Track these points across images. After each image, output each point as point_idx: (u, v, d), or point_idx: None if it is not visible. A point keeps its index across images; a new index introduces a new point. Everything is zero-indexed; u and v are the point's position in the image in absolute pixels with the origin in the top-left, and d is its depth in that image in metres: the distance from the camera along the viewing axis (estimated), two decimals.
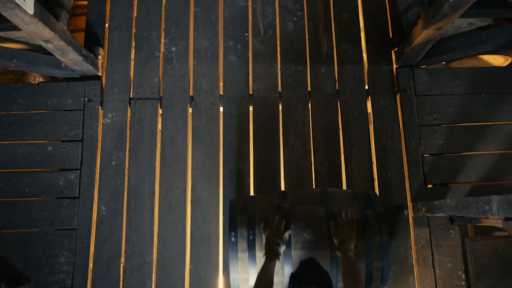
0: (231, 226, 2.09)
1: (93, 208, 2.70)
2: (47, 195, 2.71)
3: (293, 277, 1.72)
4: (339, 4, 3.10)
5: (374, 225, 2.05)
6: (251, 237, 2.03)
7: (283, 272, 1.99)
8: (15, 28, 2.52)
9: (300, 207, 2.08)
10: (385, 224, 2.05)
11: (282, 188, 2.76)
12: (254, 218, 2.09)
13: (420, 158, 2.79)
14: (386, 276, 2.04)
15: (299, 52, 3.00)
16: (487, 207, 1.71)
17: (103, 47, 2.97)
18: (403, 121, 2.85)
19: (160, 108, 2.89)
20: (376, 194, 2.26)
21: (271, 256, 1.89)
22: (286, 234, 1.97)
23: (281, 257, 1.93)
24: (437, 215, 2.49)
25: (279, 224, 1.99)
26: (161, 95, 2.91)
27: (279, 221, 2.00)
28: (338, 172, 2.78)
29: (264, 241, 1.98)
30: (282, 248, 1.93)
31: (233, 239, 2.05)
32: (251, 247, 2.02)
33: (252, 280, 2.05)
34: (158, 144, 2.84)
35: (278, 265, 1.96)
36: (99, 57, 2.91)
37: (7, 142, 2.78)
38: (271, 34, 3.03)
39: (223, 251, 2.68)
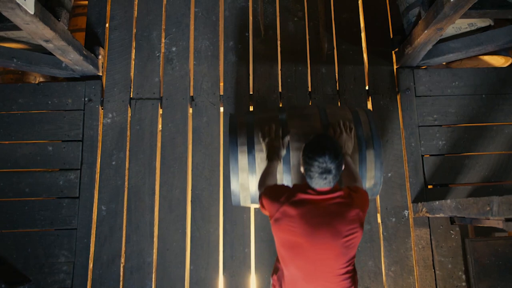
0: (231, 137, 2.12)
1: (93, 208, 2.70)
2: (47, 195, 2.71)
3: (306, 145, 1.74)
4: (339, 5, 3.10)
5: (369, 139, 2.10)
6: (250, 146, 2.08)
7: (282, 177, 2.05)
8: (16, 27, 2.51)
9: (298, 118, 2.12)
10: (379, 139, 2.10)
11: None
12: (253, 128, 2.13)
13: (420, 159, 2.79)
14: (379, 185, 2.12)
15: (300, 53, 3.00)
16: (488, 208, 1.71)
17: (103, 47, 2.97)
18: (403, 122, 2.85)
19: (161, 108, 2.89)
20: (372, 113, 2.26)
21: (273, 158, 1.96)
22: (286, 139, 2.01)
23: (281, 160, 2.00)
24: (437, 215, 2.48)
25: (277, 131, 2.05)
26: (161, 95, 2.91)
27: (277, 128, 2.06)
28: None
29: (264, 149, 2.03)
30: (283, 152, 1.99)
31: (233, 148, 2.09)
32: (250, 154, 2.07)
33: (252, 186, 2.10)
34: (159, 144, 2.84)
35: (279, 167, 2.02)
36: (100, 57, 2.91)
37: (7, 142, 2.78)
38: (272, 34, 3.03)
39: (223, 248, 2.67)
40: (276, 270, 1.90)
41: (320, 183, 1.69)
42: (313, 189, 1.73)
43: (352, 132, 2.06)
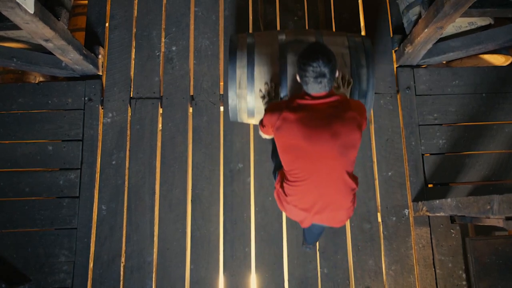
0: (231, 49, 2.22)
1: (93, 208, 2.69)
2: (47, 194, 2.71)
3: (300, 53, 1.77)
4: (339, 4, 3.10)
5: (364, 68, 2.19)
6: (250, 61, 2.18)
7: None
8: (16, 27, 2.51)
9: (296, 43, 2.18)
10: (373, 70, 2.19)
11: None
12: (254, 46, 2.22)
13: (420, 158, 2.79)
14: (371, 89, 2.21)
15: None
16: (488, 207, 1.71)
17: (103, 47, 2.97)
18: (403, 121, 2.85)
19: (161, 107, 2.89)
20: (370, 42, 2.31)
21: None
22: (284, 98, 2.11)
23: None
24: (437, 214, 2.48)
25: (276, 89, 2.15)
26: (161, 95, 2.91)
27: (276, 87, 2.16)
28: None
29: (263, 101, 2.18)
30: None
31: (232, 61, 2.19)
32: (249, 65, 2.17)
33: (250, 100, 2.22)
34: (159, 144, 2.84)
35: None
36: (100, 56, 2.91)
37: (7, 142, 2.78)
38: None
39: (223, 247, 2.67)
40: (280, 180, 2.01)
41: (316, 87, 1.74)
42: (309, 95, 1.79)
43: (349, 87, 2.15)
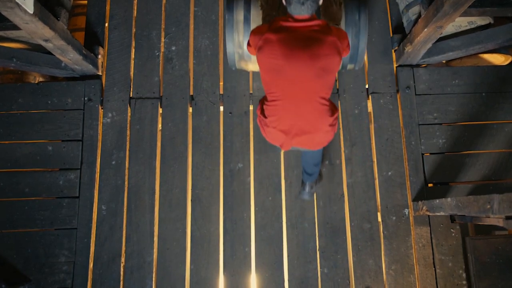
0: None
1: (93, 208, 2.69)
2: (47, 194, 2.70)
3: None
4: None
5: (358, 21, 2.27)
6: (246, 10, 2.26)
7: None
8: (15, 27, 2.50)
9: None
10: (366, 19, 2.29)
11: (283, 189, 2.76)
12: None
13: (420, 157, 2.78)
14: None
15: None
16: (488, 206, 1.71)
17: (103, 47, 2.97)
18: (403, 120, 2.85)
19: (160, 107, 2.89)
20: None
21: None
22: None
23: None
24: (437, 214, 2.48)
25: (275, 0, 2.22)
26: (161, 95, 2.91)
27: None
28: (338, 172, 2.77)
29: (261, 16, 2.23)
30: None
31: (229, 5, 2.27)
32: (246, 9, 2.25)
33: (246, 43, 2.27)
34: (158, 144, 2.84)
35: None
36: (99, 56, 2.91)
37: (7, 142, 2.77)
38: None
39: (223, 247, 2.67)
40: (260, 107, 2.11)
41: (298, 8, 1.79)
42: (292, 17, 1.85)
43: (342, 5, 2.23)
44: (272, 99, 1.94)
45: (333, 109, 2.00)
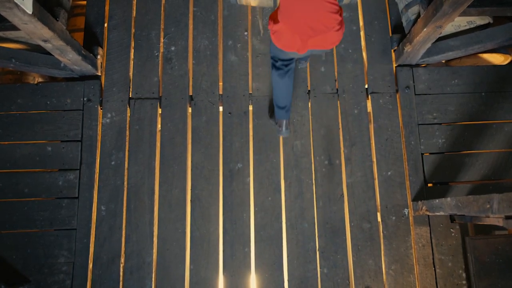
0: None
1: (93, 208, 2.69)
2: (46, 195, 2.70)
3: None
4: None
5: None
6: None
7: None
8: (14, 27, 2.52)
9: None
10: None
11: (283, 191, 2.76)
12: None
13: (420, 157, 2.78)
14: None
15: None
16: (488, 206, 1.70)
17: (102, 47, 2.97)
18: (403, 120, 2.85)
19: (160, 107, 2.89)
20: None
21: None
22: None
23: None
24: (437, 214, 2.48)
25: None
26: (160, 95, 2.91)
27: None
28: (338, 172, 2.77)
29: None
30: None
31: None
32: None
33: None
34: (158, 144, 2.84)
35: None
36: (98, 56, 2.91)
37: (6, 142, 2.77)
38: None
39: (223, 247, 2.67)
40: (271, 19, 2.13)
41: None
42: None
43: None
44: (284, 2, 2.00)
45: (338, 9, 2.07)
